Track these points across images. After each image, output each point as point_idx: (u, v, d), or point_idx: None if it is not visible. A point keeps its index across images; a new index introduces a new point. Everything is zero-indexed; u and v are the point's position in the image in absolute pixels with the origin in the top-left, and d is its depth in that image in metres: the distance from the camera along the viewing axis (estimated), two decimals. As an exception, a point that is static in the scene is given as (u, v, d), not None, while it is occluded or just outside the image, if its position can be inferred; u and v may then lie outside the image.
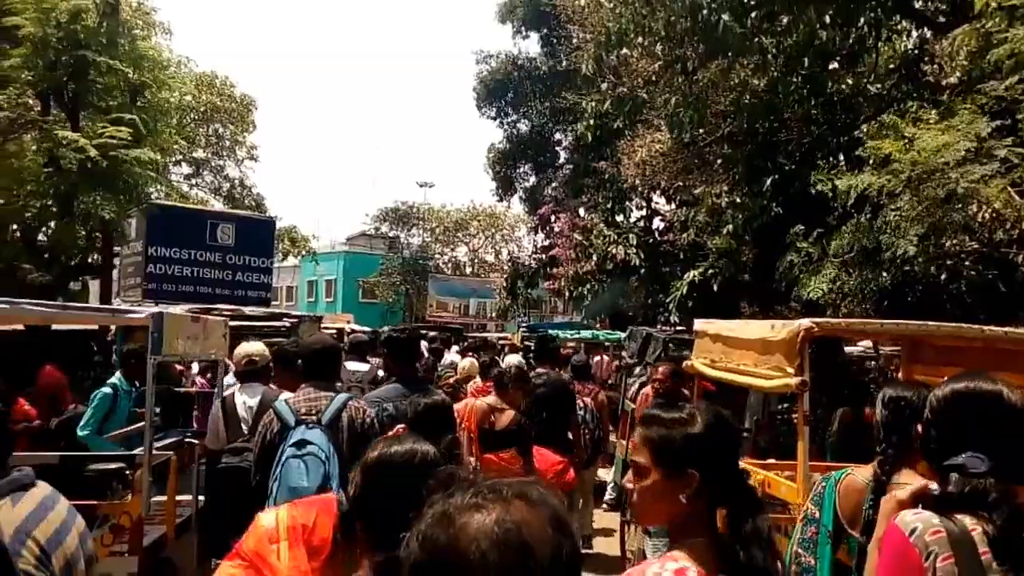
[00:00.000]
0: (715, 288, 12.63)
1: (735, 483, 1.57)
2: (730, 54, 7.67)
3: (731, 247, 10.85)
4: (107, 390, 5.41)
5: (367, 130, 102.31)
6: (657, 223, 15.43)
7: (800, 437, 3.42)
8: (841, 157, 9.81)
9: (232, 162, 33.42)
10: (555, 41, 17.46)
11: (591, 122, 9.07)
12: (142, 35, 24.15)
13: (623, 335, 9.48)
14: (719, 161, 10.99)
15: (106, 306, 3.49)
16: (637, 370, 7.41)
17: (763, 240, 11.76)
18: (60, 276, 10.04)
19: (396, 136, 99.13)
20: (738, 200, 10.49)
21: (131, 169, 9.22)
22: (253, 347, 4.47)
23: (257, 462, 3.31)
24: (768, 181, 10.78)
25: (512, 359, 9.96)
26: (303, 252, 36.85)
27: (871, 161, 6.69)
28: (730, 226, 10.63)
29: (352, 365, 6.72)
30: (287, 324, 6.81)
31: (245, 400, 4.17)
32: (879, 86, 10.08)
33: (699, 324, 4.61)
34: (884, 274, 6.90)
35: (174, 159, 32.60)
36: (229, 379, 4.94)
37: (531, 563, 0.88)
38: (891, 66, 9.38)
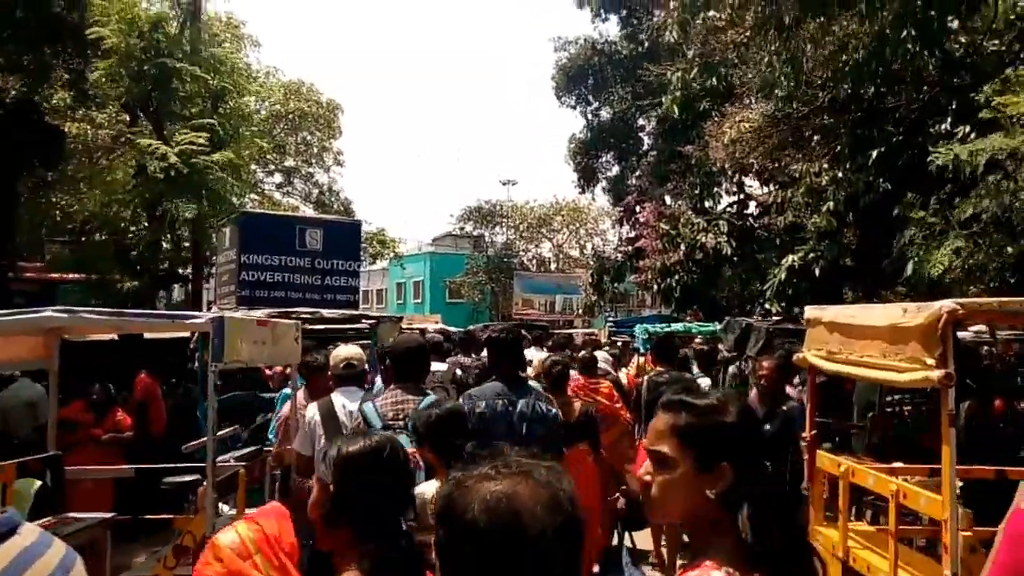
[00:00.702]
0: (816, 273, 11.79)
1: (767, 479, 1.45)
2: (829, 7, 6.91)
3: (832, 227, 10.05)
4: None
5: (449, 130, 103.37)
6: (751, 207, 14.60)
7: (945, 441, 2.90)
8: (956, 122, 8.88)
9: (320, 168, 34.34)
10: (636, 22, 16.83)
11: (677, 94, 8.47)
12: (231, 48, 24.96)
13: (718, 326, 8.90)
14: (817, 136, 10.16)
15: (166, 311, 3.33)
16: (732, 367, 6.86)
17: (868, 219, 10.88)
18: (150, 285, 10.30)
19: (478, 134, 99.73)
20: (840, 175, 9.66)
21: (211, 173, 9.34)
22: (351, 350, 4.41)
23: None
24: (874, 154, 9.90)
25: (600, 356, 9.57)
26: (392, 253, 37.58)
27: (998, 121, 5.90)
28: (831, 203, 9.82)
29: (432, 366, 6.66)
30: (366, 326, 6.62)
31: (344, 404, 4.06)
32: (996, 42, 9.07)
33: (811, 312, 4.09)
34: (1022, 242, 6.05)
35: (266, 169, 33.95)
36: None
37: (518, 532, 0.96)
38: (1011, 17, 8.38)
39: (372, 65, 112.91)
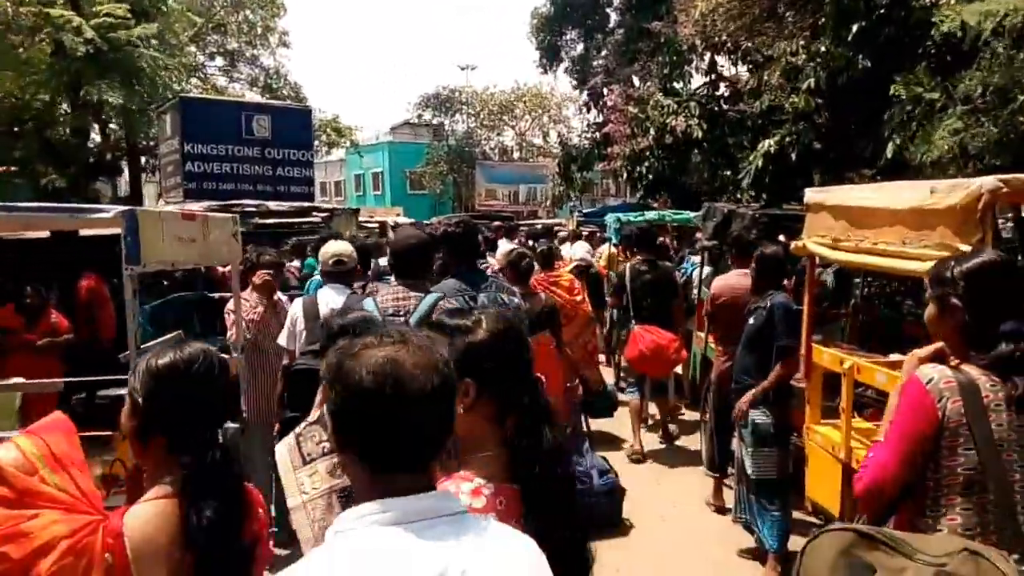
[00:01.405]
0: (793, 158, 11.39)
1: (523, 393, 1.58)
2: None
3: (811, 108, 9.55)
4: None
5: (405, 8, 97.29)
6: (722, 89, 13.94)
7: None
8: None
9: (266, 50, 32.25)
10: None
11: None
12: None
13: (693, 214, 8.53)
14: (794, 10, 9.48)
15: (66, 205, 2.81)
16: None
17: (847, 99, 10.40)
18: (78, 177, 9.45)
19: (435, 15, 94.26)
20: (823, 49, 9.07)
21: (135, 51, 8.35)
22: (340, 246, 4.36)
23: None
24: (854, 28, 9.30)
25: (579, 248, 9.20)
26: (349, 142, 36.07)
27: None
28: (811, 81, 9.28)
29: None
30: (319, 219, 6.07)
31: (328, 301, 4.01)
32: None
33: (813, 194, 3.68)
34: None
35: (206, 52, 31.78)
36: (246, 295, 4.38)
37: (401, 391, 1.09)
38: None
39: None
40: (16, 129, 8.73)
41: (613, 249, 9.70)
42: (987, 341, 1.91)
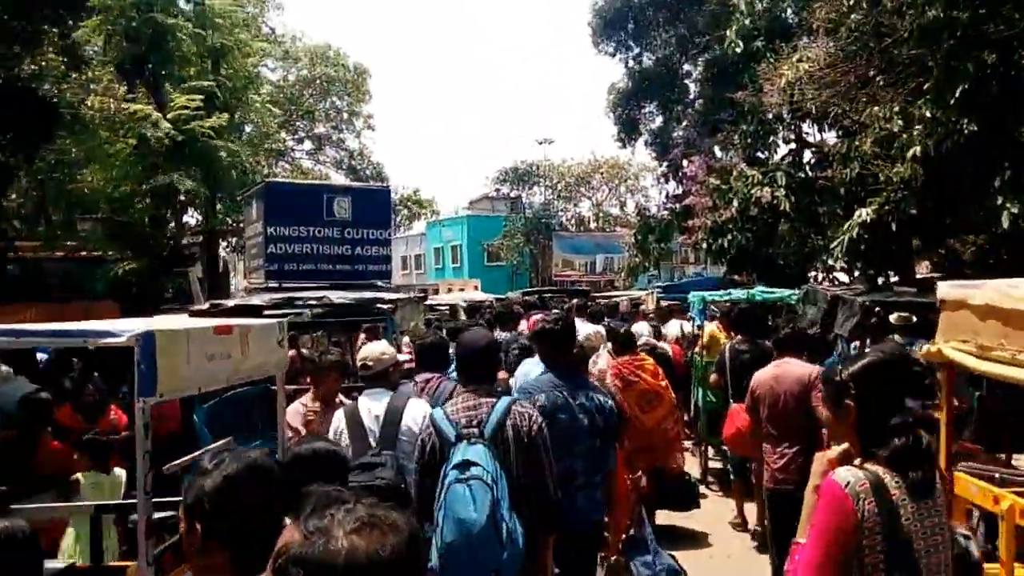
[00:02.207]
0: (893, 228, 10.55)
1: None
2: None
3: (917, 175, 8.78)
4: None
5: (483, 89, 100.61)
6: (808, 157, 13.28)
7: None
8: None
9: (351, 133, 33.57)
10: (678, -42, 15.35)
11: (746, 22, 7.23)
12: (249, 8, 24.06)
13: (786, 292, 7.84)
14: (885, 76, 8.87)
15: (75, 327, 2.50)
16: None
17: (952, 164, 9.59)
18: (152, 264, 9.63)
19: (512, 92, 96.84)
20: (929, 115, 8.38)
21: (209, 142, 8.54)
22: (369, 349, 4.22)
23: (421, 485, 3.09)
24: (959, 89, 8.60)
25: (640, 328, 8.56)
26: (429, 212, 36.75)
27: None
28: (916, 149, 8.55)
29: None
30: (383, 309, 5.76)
31: (370, 407, 3.87)
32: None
33: (950, 289, 3.07)
34: None
35: (295, 136, 33.31)
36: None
37: None
38: None
39: (401, 25, 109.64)
40: (97, 217, 9.12)
41: (714, 328, 9.02)
42: (880, 436, 2.09)
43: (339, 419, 3.93)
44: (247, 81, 10.55)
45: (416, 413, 3.73)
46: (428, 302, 14.58)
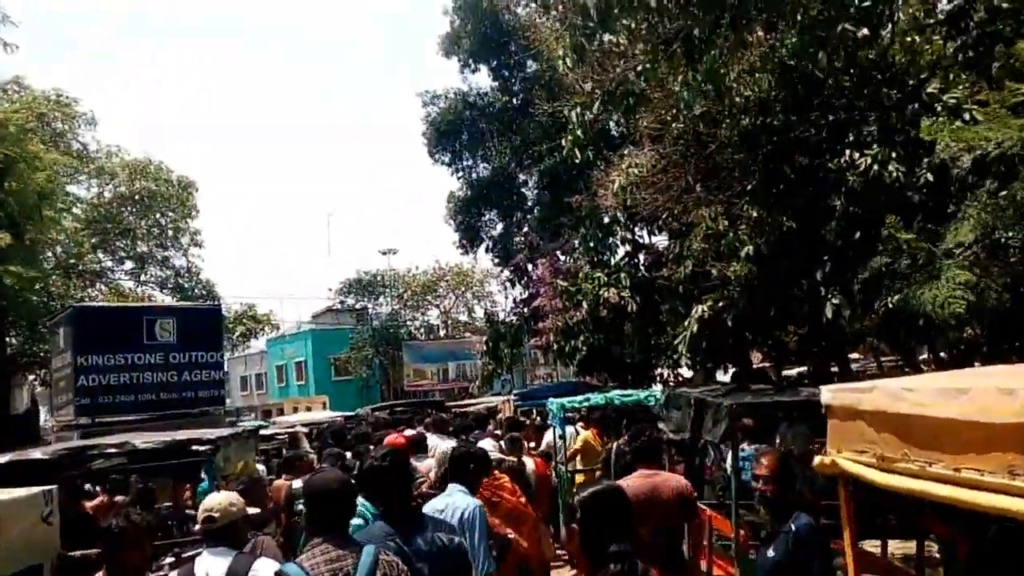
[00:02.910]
0: (729, 323, 10.94)
1: None
2: (752, 14, 6.04)
3: (752, 274, 9.16)
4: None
5: (318, 199, 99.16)
6: (641, 259, 13.79)
7: None
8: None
9: (177, 251, 31.43)
10: (507, 74, 15.99)
11: (579, 133, 7.31)
12: (62, 128, 22.42)
13: (647, 394, 7.68)
14: (712, 180, 9.38)
15: None
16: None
17: (777, 259, 10.18)
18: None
19: (350, 200, 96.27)
20: (755, 215, 8.82)
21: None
22: (213, 500, 3.70)
23: None
24: (776, 189, 9.21)
25: (486, 445, 7.97)
26: (267, 330, 34.71)
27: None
28: (749, 248, 8.94)
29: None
30: (201, 449, 4.85)
31: (208, 570, 3.42)
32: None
33: (835, 395, 2.84)
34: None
35: (115, 257, 30.77)
36: None
37: None
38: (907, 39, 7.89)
39: (231, 138, 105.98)
40: None
41: (588, 435, 8.67)
42: (602, 560, 2.20)
43: None
44: (39, 198, 9.20)
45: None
46: (265, 431, 13.26)
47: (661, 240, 14.50)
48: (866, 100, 8.20)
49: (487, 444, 7.30)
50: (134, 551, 3.42)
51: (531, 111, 15.16)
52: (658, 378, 16.08)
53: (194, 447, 4.77)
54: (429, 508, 4.11)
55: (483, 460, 5.25)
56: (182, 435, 5.05)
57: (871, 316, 9.12)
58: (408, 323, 47.25)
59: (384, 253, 46.44)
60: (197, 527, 3.89)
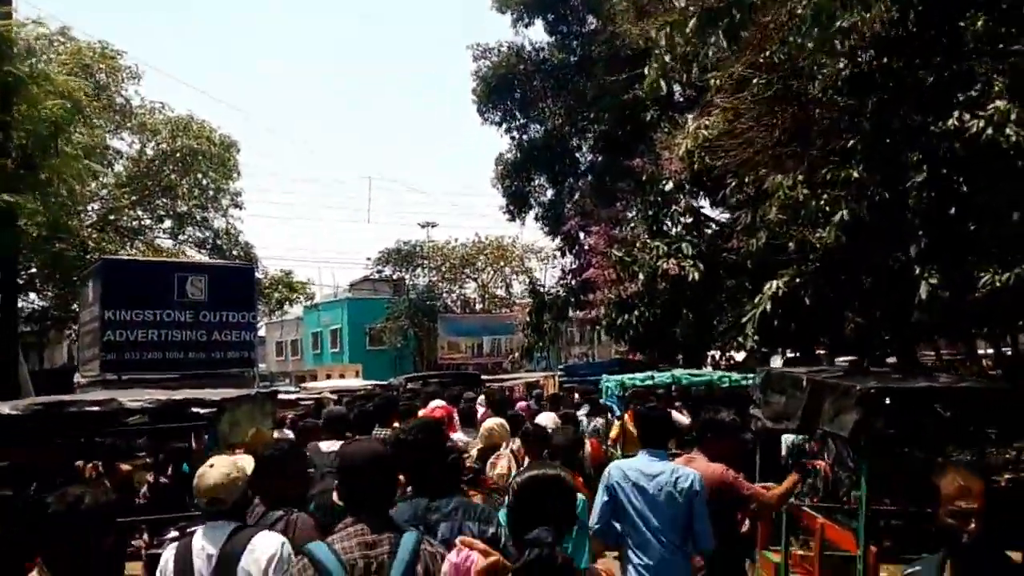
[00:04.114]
0: (807, 301, 9.78)
1: None
2: None
3: (838, 243, 7.99)
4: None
5: (362, 165, 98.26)
6: (706, 230, 12.63)
7: None
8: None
9: (217, 212, 30.94)
10: (564, 30, 14.78)
11: (666, 59, 6.18)
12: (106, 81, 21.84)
13: (739, 377, 6.63)
14: (817, 127, 8.18)
15: None
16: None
17: (870, 231, 8.98)
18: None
19: (393, 166, 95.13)
20: (855, 175, 7.63)
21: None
22: (213, 475, 3.15)
23: None
24: (881, 147, 7.98)
25: (546, 419, 7.14)
26: (303, 299, 34.21)
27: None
28: (844, 212, 7.78)
29: (326, 445, 5.23)
30: (202, 412, 3.97)
31: (205, 545, 3.08)
32: None
33: None
34: None
35: (154, 215, 30.48)
36: None
37: None
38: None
39: (275, 101, 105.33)
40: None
41: (628, 420, 7.66)
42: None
43: (167, 556, 3.16)
44: (55, 128, 8.30)
45: (261, 552, 2.98)
46: (287, 395, 12.52)
47: (724, 214, 13.34)
48: (996, 44, 6.97)
49: (547, 419, 6.41)
50: (78, 540, 2.51)
51: (591, 70, 13.99)
52: (710, 359, 14.99)
53: (194, 409, 3.89)
54: (628, 469, 3.94)
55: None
56: (181, 395, 4.16)
57: (973, 296, 7.95)
58: (445, 296, 46.58)
59: (424, 226, 45.71)
60: (197, 501, 3.24)
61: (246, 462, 3.43)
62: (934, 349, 14.62)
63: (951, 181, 8.37)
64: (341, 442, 4.99)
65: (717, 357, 14.98)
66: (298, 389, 26.01)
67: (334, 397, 12.91)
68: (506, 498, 3.90)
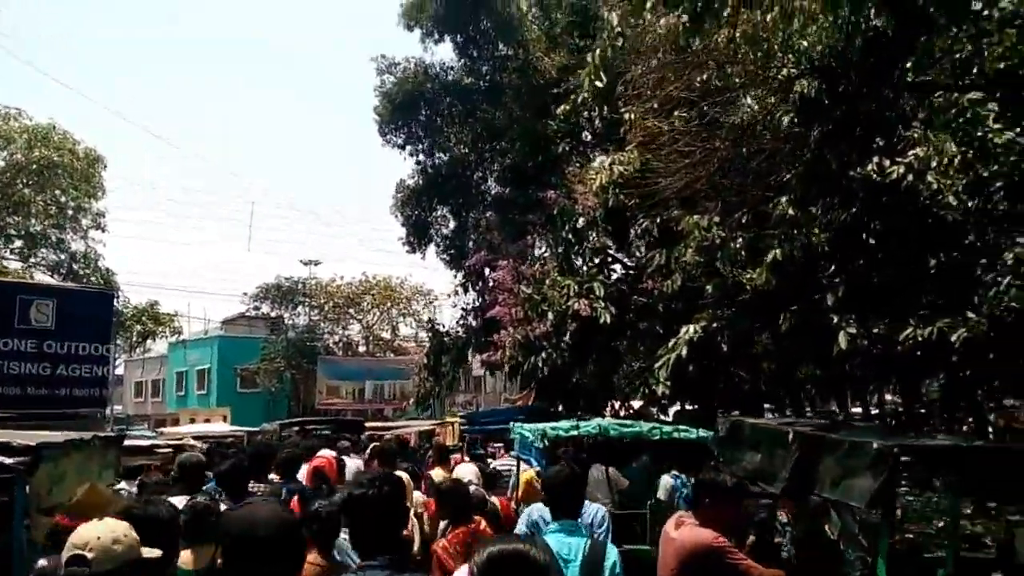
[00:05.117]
0: (724, 347, 9.37)
1: None
2: None
3: (770, 286, 7.60)
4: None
5: (245, 191, 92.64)
6: (619, 269, 12.17)
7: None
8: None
9: (77, 234, 27.97)
10: (475, 53, 14.13)
11: (608, 53, 5.45)
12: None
13: (671, 429, 5.93)
14: (754, 160, 7.83)
15: None
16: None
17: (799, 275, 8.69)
18: None
19: (277, 192, 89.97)
20: (790, 213, 7.28)
21: None
22: (88, 531, 2.49)
23: None
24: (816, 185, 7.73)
25: (466, 471, 6.34)
26: (169, 333, 31.26)
27: None
28: (777, 252, 7.39)
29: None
30: (7, 463, 2.77)
31: None
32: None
33: None
34: None
35: (2, 233, 27.23)
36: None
37: None
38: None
39: (145, 103, 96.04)
40: None
41: (529, 472, 6.81)
42: None
43: None
44: None
45: None
46: (141, 441, 10.89)
47: (633, 256, 12.97)
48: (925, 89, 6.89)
49: (468, 472, 5.52)
50: None
51: (501, 98, 13.39)
52: (609, 408, 14.43)
53: (-6, 457, 2.70)
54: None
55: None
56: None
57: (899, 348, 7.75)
58: (326, 336, 44.35)
59: (306, 263, 43.63)
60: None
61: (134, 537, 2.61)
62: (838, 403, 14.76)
63: (865, 227, 8.27)
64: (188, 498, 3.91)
65: (617, 406, 14.46)
66: (155, 434, 23.39)
67: (197, 444, 11.32)
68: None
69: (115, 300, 17.71)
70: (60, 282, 25.49)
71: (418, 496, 6.25)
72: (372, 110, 15.19)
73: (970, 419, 11.20)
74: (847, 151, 6.82)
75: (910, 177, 6.95)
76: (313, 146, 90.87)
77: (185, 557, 3.25)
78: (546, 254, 11.93)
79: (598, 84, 5.38)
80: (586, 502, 4.38)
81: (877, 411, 11.27)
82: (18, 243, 27.97)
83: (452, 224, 15.93)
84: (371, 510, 2.52)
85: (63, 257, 27.56)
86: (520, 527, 3.50)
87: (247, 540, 2.09)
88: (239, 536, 2.12)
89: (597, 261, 11.80)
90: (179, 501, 4.11)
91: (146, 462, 8.85)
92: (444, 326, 15.28)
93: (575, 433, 6.29)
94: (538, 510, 3.59)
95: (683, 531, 3.38)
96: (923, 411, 12.21)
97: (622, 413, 13.87)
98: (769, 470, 3.56)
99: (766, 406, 12.36)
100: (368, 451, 9.68)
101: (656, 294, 10.55)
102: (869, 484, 2.91)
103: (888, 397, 12.81)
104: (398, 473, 5.14)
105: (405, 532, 4.85)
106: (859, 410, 14.08)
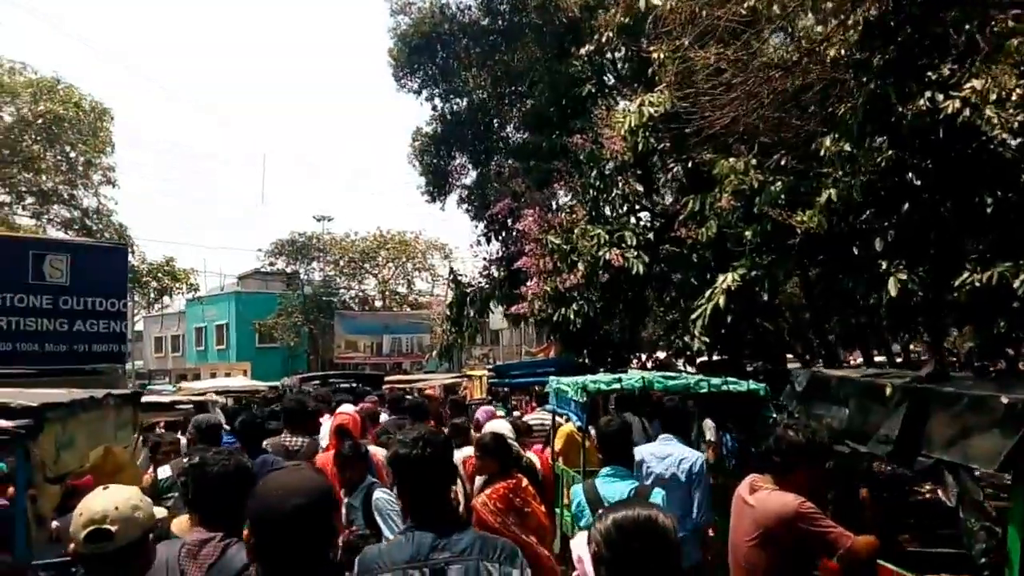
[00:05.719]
0: (764, 297, 8.90)
1: None
2: None
3: (822, 229, 7.09)
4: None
5: (255, 146, 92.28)
6: (645, 217, 11.65)
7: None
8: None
9: (88, 190, 27.61)
10: (493, -7, 13.40)
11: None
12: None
13: (720, 382, 5.54)
14: (806, 94, 7.24)
15: None
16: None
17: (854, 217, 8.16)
18: None
19: (291, 147, 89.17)
20: (847, 149, 6.73)
21: None
22: (104, 500, 2.30)
23: None
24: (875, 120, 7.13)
25: (501, 426, 6.05)
26: (186, 288, 31.18)
27: None
28: (831, 192, 6.87)
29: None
30: (7, 427, 2.42)
31: None
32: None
33: None
34: None
35: (14, 191, 26.95)
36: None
37: None
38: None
39: (154, 55, 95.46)
40: None
41: (571, 427, 6.50)
42: None
43: None
44: None
45: None
46: (159, 397, 10.66)
47: (662, 202, 12.42)
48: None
49: (502, 426, 5.25)
50: None
51: (521, 39, 12.72)
52: (636, 360, 14.06)
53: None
54: (646, 452, 4.20)
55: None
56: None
57: (951, 296, 7.26)
58: (343, 292, 44.25)
59: (319, 220, 43.27)
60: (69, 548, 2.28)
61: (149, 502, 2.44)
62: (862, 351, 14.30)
63: (915, 167, 7.71)
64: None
65: (644, 358, 14.10)
66: (174, 389, 23.37)
67: (221, 400, 11.07)
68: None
69: (130, 255, 17.40)
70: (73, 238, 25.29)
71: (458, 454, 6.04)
72: (387, 52, 14.54)
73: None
74: (909, 83, 6.22)
75: (967, 112, 6.38)
76: (325, 98, 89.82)
77: (181, 524, 2.91)
78: (572, 202, 11.40)
79: (624, 20, 4.85)
80: (685, 449, 4.62)
81: (901, 360, 10.79)
82: (30, 200, 27.72)
83: (472, 173, 15.39)
84: (415, 471, 2.43)
85: (76, 214, 27.32)
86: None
87: (270, 512, 1.95)
88: (259, 507, 1.97)
89: (626, 208, 11.29)
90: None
91: (160, 418, 8.58)
92: (466, 276, 14.90)
93: (617, 387, 5.91)
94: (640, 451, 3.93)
95: (762, 496, 3.02)
96: (956, 361, 11.75)
97: (649, 365, 13.51)
98: (861, 428, 3.16)
99: (788, 356, 11.95)
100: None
101: (689, 242, 10.07)
102: (998, 444, 2.50)
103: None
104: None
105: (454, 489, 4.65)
106: (883, 359, 13.69)
